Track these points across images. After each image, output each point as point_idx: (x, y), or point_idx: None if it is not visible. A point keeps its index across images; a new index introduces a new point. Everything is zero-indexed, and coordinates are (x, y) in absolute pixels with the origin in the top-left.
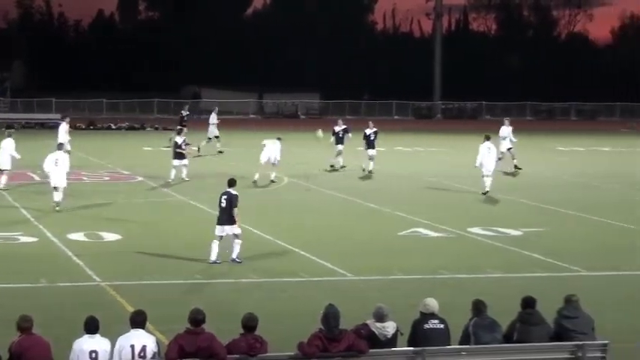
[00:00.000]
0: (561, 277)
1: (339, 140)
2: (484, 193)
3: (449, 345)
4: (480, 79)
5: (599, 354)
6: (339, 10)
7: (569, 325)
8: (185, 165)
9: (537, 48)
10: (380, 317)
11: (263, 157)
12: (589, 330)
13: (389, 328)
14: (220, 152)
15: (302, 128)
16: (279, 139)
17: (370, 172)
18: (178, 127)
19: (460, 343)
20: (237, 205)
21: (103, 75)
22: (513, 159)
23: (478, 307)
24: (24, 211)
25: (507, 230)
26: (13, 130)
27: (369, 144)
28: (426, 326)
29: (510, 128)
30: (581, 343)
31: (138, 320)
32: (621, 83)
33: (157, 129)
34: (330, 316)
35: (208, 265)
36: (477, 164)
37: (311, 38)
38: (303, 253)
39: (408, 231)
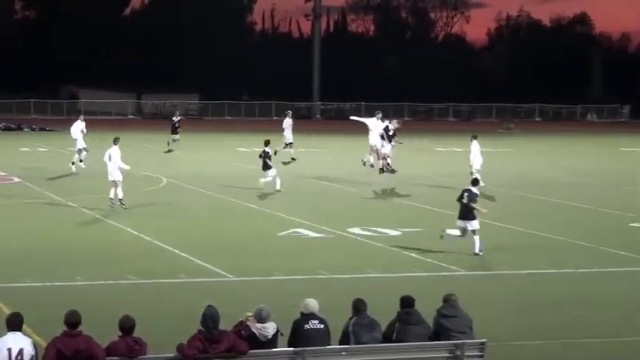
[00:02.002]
0: (440, 277)
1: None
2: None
3: (329, 345)
4: (359, 80)
5: (477, 352)
6: (218, 10)
7: (447, 324)
8: (275, 175)
9: (415, 49)
10: (260, 318)
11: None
12: (467, 329)
13: (269, 328)
14: (293, 159)
15: (181, 129)
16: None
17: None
18: (174, 136)
19: (340, 343)
20: (476, 201)
21: None
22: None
23: (358, 307)
24: None
25: (386, 230)
26: None
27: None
28: (306, 326)
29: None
30: (459, 342)
31: (14, 323)
32: (497, 84)
33: (34, 130)
34: (209, 317)
35: (87, 267)
36: (471, 163)
37: (190, 38)
38: (182, 254)
39: (288, 231)
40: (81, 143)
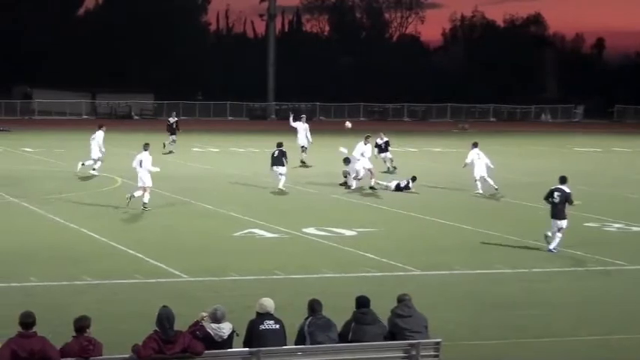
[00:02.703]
0: (395, 277)
1: (382, 150)
2: (497, 190)
3: (284, 345)
4: (314, 80)
5: (432, 352)
6: (173, 11)
7: (402, 324)
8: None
9: (370, 49)
10: (215, 318)
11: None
12: (422, 329)
13: (225, 329)
14: (303, 163)
15: (136, 129)
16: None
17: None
18: (172, 136)
19: (296, 343)
20: (572, 200)
21: None
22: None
23: (313, 307)
24: None
25: (342, 230)
26: None
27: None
28: (262, 327)
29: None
30: (415, 341)
31: None
32: (452, 84)
33: None
34: (164, 317)
35: (42, 268)
36: (464, 166)
37: (145, 38)
38: (138, 254)
39: (244, 232)
40: (96, 154)
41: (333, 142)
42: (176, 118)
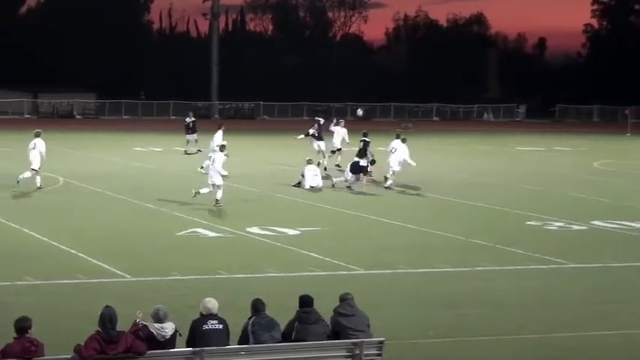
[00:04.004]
0: (339, 276)
1: (317, 139)
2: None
3: (228, 345)
4: (258, 79)
5: (375, 351)
6: (116, 9)
7: (345, 322)
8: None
9: (314, 49)
10: (158, 318)
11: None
12: (365, 327)
13: (167, 328)
14: (339, 166)
15: (78, 128)
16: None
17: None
18: (188, 136)
19: (239, 343)
20: None
21: None
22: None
23: (256, 307)
24: None
25: (285, 230)
26: None
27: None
28: (205, 327)
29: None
30: (358, 340)
31: None
32: (395, 84)
33: None
34: (107, 317)
35: None
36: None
37: (87, 37)
38: (80, 254)
39: (187, 231)
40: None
41: (276, 142)
42: (193, 118)
